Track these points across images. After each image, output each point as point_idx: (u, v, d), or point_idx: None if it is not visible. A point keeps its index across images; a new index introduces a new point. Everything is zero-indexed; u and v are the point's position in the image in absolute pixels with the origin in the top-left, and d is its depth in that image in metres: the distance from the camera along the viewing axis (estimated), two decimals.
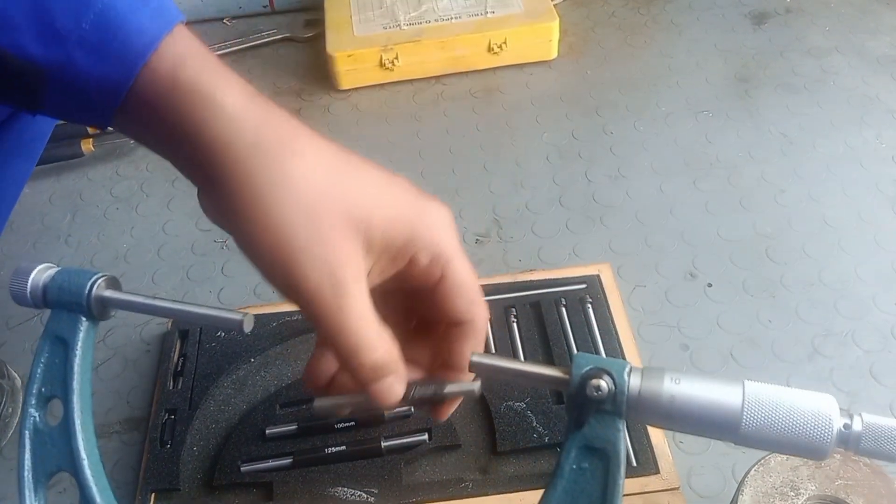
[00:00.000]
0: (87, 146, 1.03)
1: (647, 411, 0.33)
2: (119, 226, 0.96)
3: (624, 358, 0.74)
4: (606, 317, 0.77)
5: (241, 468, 0.69)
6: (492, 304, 0.79)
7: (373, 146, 1.05)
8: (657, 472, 0.65)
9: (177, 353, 0.78)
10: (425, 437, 0.69)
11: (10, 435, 0.75)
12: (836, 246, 0.85)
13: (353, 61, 1.10)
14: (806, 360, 0.75)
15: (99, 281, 0.40)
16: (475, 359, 0.38)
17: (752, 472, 0.55)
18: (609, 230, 0.90)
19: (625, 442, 0.34)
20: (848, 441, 0.34)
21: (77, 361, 0.38)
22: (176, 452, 0.70)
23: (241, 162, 0.37)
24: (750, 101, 1.04)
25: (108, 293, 0.40)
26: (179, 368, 0.77)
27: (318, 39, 1.19)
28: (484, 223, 0.92)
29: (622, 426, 0.33)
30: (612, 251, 0.87)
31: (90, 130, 1.04)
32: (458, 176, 0.99)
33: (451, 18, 1.13)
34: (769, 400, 0.33)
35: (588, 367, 0.33)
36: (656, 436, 0.67)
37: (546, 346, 0.76)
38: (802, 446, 0.33)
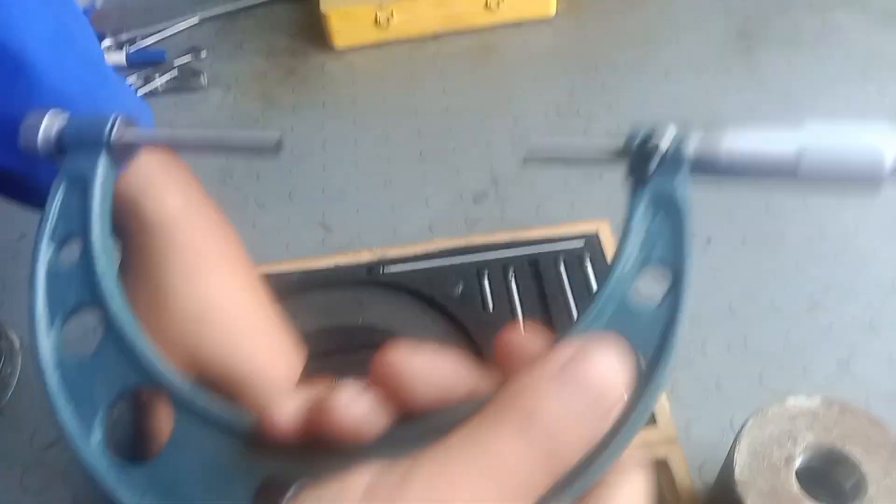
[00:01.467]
0: None
1: (704, 163, 0.33)
2: None
3: None
4: (606, 273, 0.77)
5: None
6: (490, 262, 0.78)
7: (368, 105, 1.04)
8: (654, 423, 0.65)
9: None
10: None
11: (9, 395, 0.75)
12: (836, 200, 0.84)
13: (347, 19, 1.09)
14: (805, 313, 0.75)
15: (119, 118, 0.38)
16: (530, 152, 0.36)
17: (750, 422, 0.55)
18: (608, 186, 0.89)
19: (688, 193, 0.34)
20: None
21: (98, 197, 0.36)
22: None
23: None
24: (751, 58, 1.03)
25: (130, 133, 0.39)
26: None
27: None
28: (482, 182, 0.91)
29: (684, 178, 0.33)
30: (611, 207, 0.86)
31: None
32: (455, 135, 0.98)
33: None
34: (825, 137, 0.32)
35: (644, 127, 0.34)
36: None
37: (544, 302, 0.75)
38: (858, 176, 0.31)
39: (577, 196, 0.88)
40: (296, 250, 0.86)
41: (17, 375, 0.76)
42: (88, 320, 0.34)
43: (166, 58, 1.12)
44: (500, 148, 0.95)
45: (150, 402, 0.52)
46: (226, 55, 1.15)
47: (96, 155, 0.37)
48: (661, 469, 0.63)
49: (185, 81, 1.08)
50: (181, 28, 1.19)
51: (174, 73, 1.08)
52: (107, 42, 1.14)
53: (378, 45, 1.12)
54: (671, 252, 0.32)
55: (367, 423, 0.27)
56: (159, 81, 1.07)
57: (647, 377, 0.29)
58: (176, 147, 0.42)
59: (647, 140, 0.33)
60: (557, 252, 0.79)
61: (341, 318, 0.77)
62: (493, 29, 1.11)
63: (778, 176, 0.33)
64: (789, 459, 0.52)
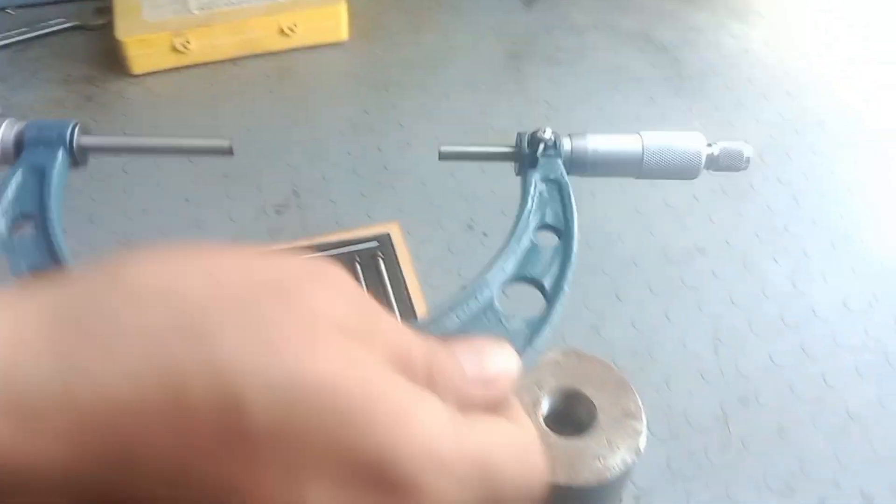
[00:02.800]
0: None
1: (577, 158, 0.45)
2: None
3: (412, 303, 0.83)
4: (396, 269, 0.86)
5: None
6: None
7: (169, 128, 1.07)
8: None
9: None
10: None
11: None
12: (588, 195, 0.98)
13: (143, 46, 1.12)
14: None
15: (77, 125, 0.42)
16: (444, 148, 0.46)
17: None
18: (399, 194, 0.99)
19: (566, 178, 0.44)
20: (712, 161, 0.45)
21: (55, 184, 0.39)
22: None
23: None
24: (520, 75, 1.17)
25: (87, 138, 0.42)
26: None
27: (110, 27, 1.19)
28: (283, 195, 0.98)
29: (562, 164, 0.44)
30: (402, 212, 0.96)
31: None
32: (257, 152, 1.04)
33: (242, 2, 1.17)
34: (659, 141, 0.45)
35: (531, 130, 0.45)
36: (420, 307, 0.77)
37: None
38: (684, 170, 0.44)
39: (372, 204, 0.97)
40: None
41: None
42: None
43: None
44: (300, 164, 1.02)
45: None
46: (20, 84, 1.14)
47: (55, 151, 0.41)
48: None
49: None
50: None
51: None
52: None
53: (177, 70, 1.16)
54: (560, 214, 0.43)
55: None
56: None
57: (553, 298, 0.39)
58: (131, 152, 0.45)
59: (533, 136, 0.44)
60: (354, 253, 0.88)
61: None
62: (288, 53, 1.19)
63: (627, 169, 0.45)
64: (536, 403, 0.63)
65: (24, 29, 1.22)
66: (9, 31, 1.21)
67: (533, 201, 0.43)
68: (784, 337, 0.84)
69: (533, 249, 0.41)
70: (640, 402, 0.64)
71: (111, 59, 1.17)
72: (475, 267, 0.89)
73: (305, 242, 0.88)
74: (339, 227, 0.94)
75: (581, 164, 0.45)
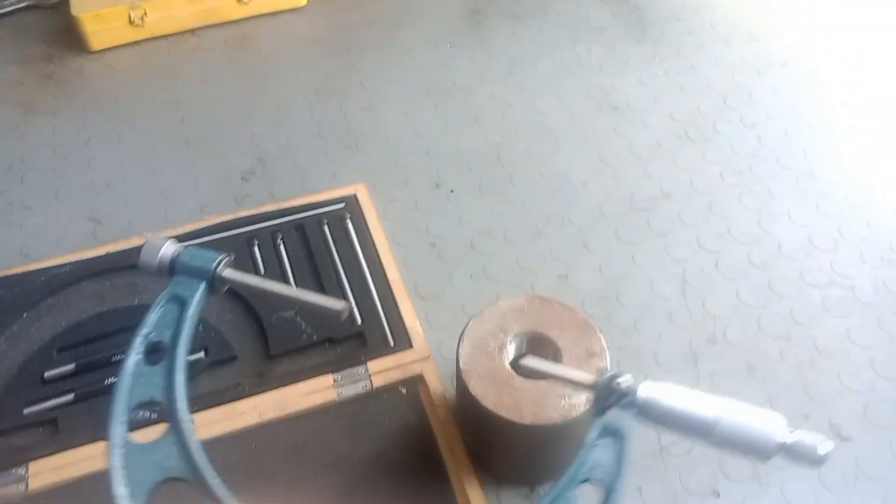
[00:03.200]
0: None
1: (650, 411, 0.44)
2: None
3: (381, 261, 0.83)
4: (364, 229, 0.86)
5: (24, 411, 0.71)
6: (258, 232, 0.85)
7: (130, 101, 1.06)
8: (411, 346, 0.75)
9: None
10: (201, 354, 0.74)
11: None
12: (554, 146, 0.99)
13: (100, 21, 1.10)
14: (531, 241, 0.88)
15: (224, 259, 0.47)
16: (525, 362, 0.48)
17: (470, 323, 0.66)
18: (364, 155, 0.98)
19: (634, 429, 0.44)
20: (784, 448, 0.43)
21: (191, 317, 0.45)
22: None
23: None
24: (481, 32, 1.16)
25: (228, 272, 0.48)
26: None
27: (65, 4, 1.17)
28: (248, 161, 0.97)
29: (634, 417, 0.43)
30: (368, 173, 0.96)
31: None
32: (220, 122, 1.03)
33: None
34: (737, 416, 0.43)
35: (613, 372, 0.44)
36: (409, 318, 0.77)
37: (312, 261, 0.83)
38: (755, 452, 0.43)
39: (338, 166, 0.97)
40: (67, 245, 0.87)
41: None
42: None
43: None
44: (264, 130, 1.02)
45: None
46: None
47: (198, 284, 0.46)
48: (420, 382, 0.73)
49: None
50: None
51: None
52: None
53: (136, 44, 1.14)
54: (610, 473, 0.42)
55: None
56: None
57: None
58: (257, 293, 0.50)
59: (610, 381, 0.44)
60: (321, 215, 0.87)
61: (116, 302, 0.81)
62: (248, 21, 1.17)
63: (696, 433, 0.43)
64: (501, 347, 0.64)
65: None
66: None
67: (585, 455, 0.43)
68: (751, 276, 0.85)
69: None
70: (603, 342, 0.64)
71: (69, 37, 1.15)
72: (443, 224, 0.90)
73: (272, 207, 0.88)
74: (305, 190, 0.94)
75: (652, 416, 0.45)
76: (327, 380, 0.73)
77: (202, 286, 0.47)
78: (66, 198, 0.93)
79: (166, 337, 0.45)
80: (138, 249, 0.81)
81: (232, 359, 0.75)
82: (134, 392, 0.43)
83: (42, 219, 0.91)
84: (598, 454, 0.42)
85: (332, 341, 0.77)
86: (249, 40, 1.15)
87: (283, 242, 0.85)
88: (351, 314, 0.77)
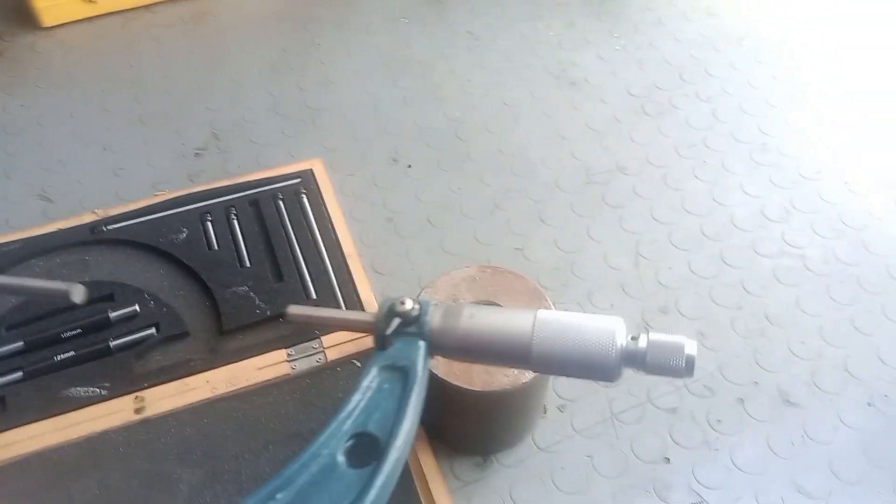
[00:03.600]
0: None
1: (446, 338, 0.34)
2: None
3: (337, 237, 0.83)
4: (320, 204, 0.85)
5: None
6: (212, 208, 0.84)
7: (84, 79, 1.04)
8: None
9: None
10: (153, 330, 0.74)
11: None
12: (512, 121, 0.99)
13: None
14: (489, 215, 0.88)
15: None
16: (291, 310, 0.37)
17: (422, 293, 0.66)
18: (322, 131, 0.98)
19: (425, 365, 0.33)
20: (634, 358, 0.33)
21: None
22: None
23: None
24: (440, 7, 1.16)
25: None
26: None
27: None
28: (203, 138, 0.96)
29: (424, 347, 0.33)
30: (325, 148, 0.95)
31: None
32: (175, 98, 1.02)
33: None
34: (559, 322, 0.33)
35: (394, 298, 0.34)
36: (364, 292, 0.77)
37: (266, 236, 0.82)
38: (591, 366, 0.32)
39: (295, 142, 0.96)
40: (16, 224, 0.86)
41: None
42: None
43: None
44: (219, 106, 1.01)
45: None
46: None
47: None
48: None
49: None
50: None
51: None
52: None
53: (89, 20, 1.12)
54: (387, 423, 0.32)
55: None
56: None
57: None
58: None
59: (391, 307, 0.34)
60: (276, 190, 0.86)
61: (67, 278, 0.80)
62: None
63: (514, 356, 0.33)
64: None
65: None
66: None
67: (360, 399, 0.32)
68: (704, 248, 0.86)
69: (335, 466, 0.31)
70: (554, 310, 0.65)
71: (20, 13, 1.13)
72: (400, 199, 0.90)
73: (226, 182, 0.87)
74: (261, 166, 0.93)
75: (450, 347, 0.35)
76: (280, 354, 0.73)
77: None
78: (17, 176, 0.92)
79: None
80: (90, 226, 0.83)
81: (184, 334, 0.75)
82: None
83: None
84: (377, 399, 0.32)
85: (286, 316, 0.76)
86: (206, 16, 1.14)
87: (237, 218, 0.84)
88: (305, 288, 0.77)
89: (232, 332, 0.75)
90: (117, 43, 1.10)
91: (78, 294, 0.37)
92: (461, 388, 0.61)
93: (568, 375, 0.33)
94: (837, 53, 1.09)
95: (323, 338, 0.74)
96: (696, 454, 0.70)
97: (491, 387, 0.61)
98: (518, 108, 1.00)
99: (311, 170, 0.89)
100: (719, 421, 0.72)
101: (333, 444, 0.30)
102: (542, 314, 0.33)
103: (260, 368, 0.72)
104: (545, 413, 0.73)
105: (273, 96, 1.02)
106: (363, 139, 0.96)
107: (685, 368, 0.31)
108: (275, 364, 0.72)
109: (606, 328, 0.32)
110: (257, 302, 0.77)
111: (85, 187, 0.90)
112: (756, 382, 0.76)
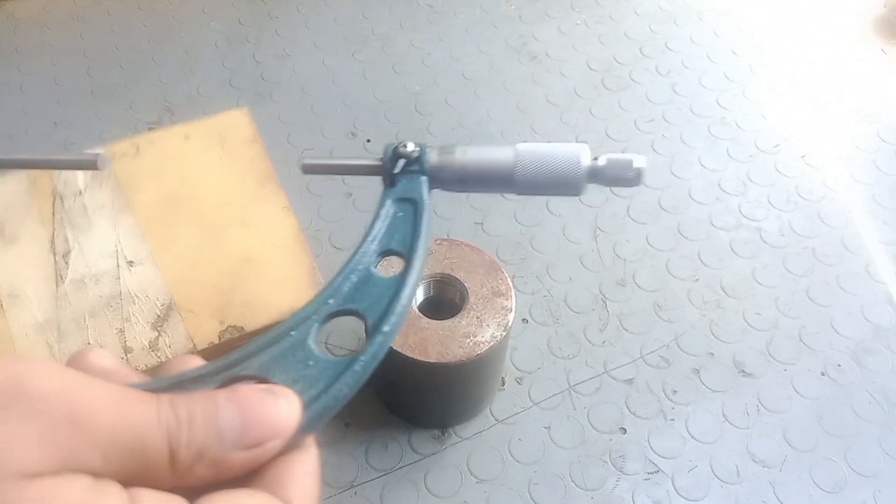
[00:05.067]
0: None
1: (443, 172, 0.40)
2: None
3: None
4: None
5: None
6: None
7: (32, 52, 1.01)
8: None
9: None
10: None
11: None
12: (472, 95, 0.98)
13: None
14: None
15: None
16: (306, 161, 0.42)
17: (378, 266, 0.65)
18: (278, 104, 0.96)
19: (429, 196, 0.39)
20: (595, 174, 0.39)
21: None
22: None
23: None
24: None
25: None
26: None
27: None
28: (156, 111, 0.94)
29: (426, 181, 0.39)
30: (283, 122, 0.94)
31: None
32: (127, 71, 0.99)
33: None
34: (535, 151, 0.39)
35: (396, 142, 0.40)
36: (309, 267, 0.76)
37: None
38: (563, 183, 0.39)
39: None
40: None
41: None
42: None
43: None
44: (172, 78, 0.98)
45: None
46: None
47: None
48: None
49: None
50: None
51: None
52: None
53: None
54: (407, 243, 0.37)
55: None
56: None
57: (371, 334, 0.33)
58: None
59: (395, 151, 0.39)
60: None
61: None
62: None
63: (500, 181, 0.39)
64: None
65: None
66: None
67: (381, 226, 0.38)
68: (661, 221, 0.86)
69: (366, 279, 0.36)
70: (510, 282, 0.65)
71: None
72: (365, 186, 0.89)
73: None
74: None
75: (448, 180, 0.40)
76: None
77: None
78: None
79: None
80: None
81: None
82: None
83: None
84: (395, 224, 0.38)
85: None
86: None
87: None
88: None
89: None
90: (67, 15, 1.07)
91: (103, 161, 0.41)
92: (417, 360, 0.60)
93: (543, 194, 0.40)
94: (795, 27, 1.10)
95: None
96: (652, 424, 0.71)
97: (446, 358, 0.60)
98: (478, 81, 1.00)
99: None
100: (675, 391, 0.73)
101: (367, 259, 0.36)
102: (521, 146, 0.40)
103: None
104: (503, 385, 0.73)
105: (228, 69, 1.00)
106: (321, 113, 0.95)
107: (635, 178, 0.38)
108: None
109: (573, 151, 0.39)
110: None
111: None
112: (712, 353, 0.77)
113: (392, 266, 0.36)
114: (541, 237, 0.84)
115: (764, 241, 0.86)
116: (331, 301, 0.34)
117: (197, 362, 0.32)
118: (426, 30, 1.06)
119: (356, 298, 0.35)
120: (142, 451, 0.26)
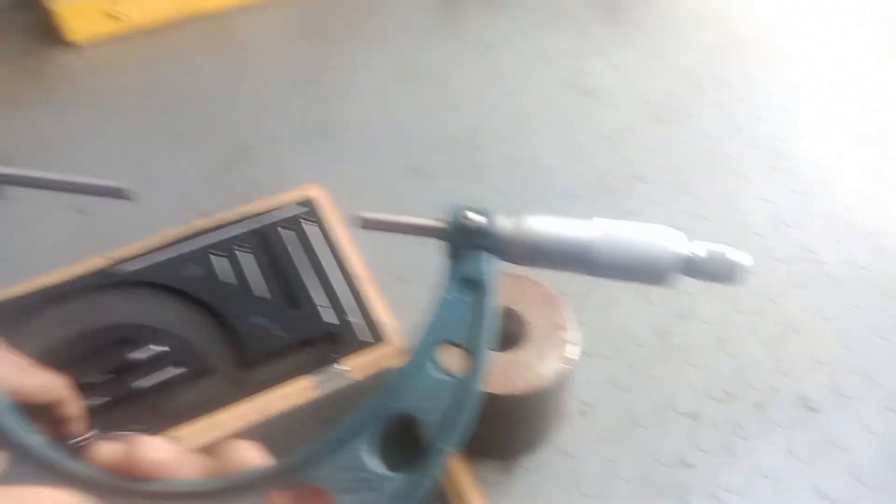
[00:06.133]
0: None
1: (514, 246, 0.36)
2: None
3: (344, 260, 0.82)
4: (325, 229, 0.84)
5: None
6: (219, 242, 0.83)
7: (113, 96, 1.07)
8: (384, 340, 0.75)
9: None
10: (179, 369, 0.74)
11: None
12: (528, 129, 1.00)
13: (79, 15, 1.11)
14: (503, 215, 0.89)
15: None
16: (366, 215, 0.39)
17: None
18: (341, 141, 1.00)
19: (494, 275, 0.36)
20: (690, 267, 0.36)
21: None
22: None
23: None
24: (456, 18, 1.18)
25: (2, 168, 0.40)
26: None
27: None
28: (229, 151, 0.99)
29: (491, 259, 0.36)
30: (344, 159, 0.97)
31: None
32: (201, 113, 1.04)
33: None
34: (619, 235, 0.36)
35: (462, 207, 0.37)
36: (381, 311, 0.77)
37: (274, 266, 0.81)
38: (650, 275, 0.36)
39: (315, 152, 0.98)
40: (51, 235, 0.88)
41: None
42: None
43: None
44: (244, 120, 1.03)
45: None
46: None
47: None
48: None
49: None
50: None
51: None
52: None
53: (116, 38, 1.15)
54: (471, 334, 0.34)
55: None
56: None
57: (430, 449, 0.32)
58: (27, 185, 0.41)
59: (458, 220, 0.36)
60: (280, 219, 0.84)
61: (84, 324, 0.77)
62: (228, 12, 1.18)
63: (578, 262, 0.36)
64: None
65: None
66: None
67: (443, 313, 0.35)
68: None
69: (427, 380, 0.33)
70: (568, 314, 0.66)
71: (51, 33, 1.16)
72: (419, 207, 0.91)
73: (228, 216, 0.84)
74: (284, 178, 0.95)
75: (518, 255, 0.37)
76: (306, 381, 0.73)
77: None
78: (50, 194, 0.94)
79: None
80: (101, 271, 0.81)
81: (209, 370, 0.75)
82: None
83: (29, 210, 0.92)
84: (456, 311, 0.35)
85: (307, 343, 0.76)
86: (228, 32, 1.16)
87: (244, 250, 0.83)
88: (321, 314, 0.78)
89: (255, 363, 0.75)
90: (143, 59, 1.13)
91: (131, 193, 0.41)
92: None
93: (627, 280, 0.36)
94: (854, 59, 1.10)
95: (345, 361, 0.74)
96: (717, 459, 0.71)
97: (508, 389, 0.62)
98: (533, 116, 1.02)
99: (311, 196, 0.86)
100: (740, 426, 0.73)
101: (427, 356, 0.33)
102: (603, 223, 0.36)
103: (286, 396, 0.72)
104: (566, 418, 0.74)
105: (295, 109, 1.04)
106: (381, 149, 0.98)
107: (739, 277, 0.35)
108: (301, 390, 0.72)
109: (665, 241, 0.35)
110: (276, 331, 0.76)
111: (118, 202, 0.92)
112: (776, 388, 0.76)
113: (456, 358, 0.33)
114: None
115: (826, 275, 0.85)
116: (389, 405, 0.33)
117: (253, 455, 0.32)
118: (481, 67, 1.09)
119: (416, 402, 0.33)
120: None
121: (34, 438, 0.32)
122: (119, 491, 0.30)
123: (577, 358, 0.64)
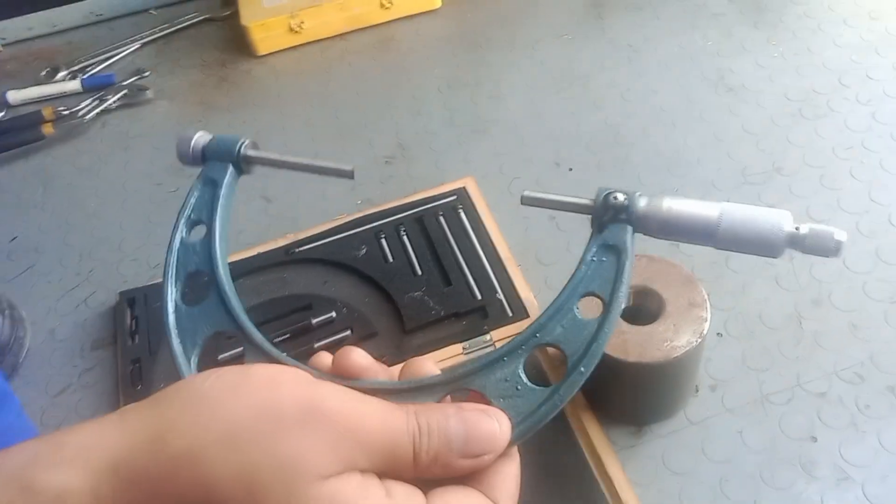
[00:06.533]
0: (47, 129, 1.19)
1: (650, 221, 0.43)
2: (85, 190, 1.14)
3: (493, 244, 0.92)
4: (476, 216, 0.96)
5: None
6: (384, 226, 0.97)
7: (291, 98, 1.23)
8: (528, 316, 0.85)
9: (129, 316, 0.93)
10: (348, 332, 0.87)
11: (23, 356, 0.92)
12: (670, 125, 1.06)
13: (265, 29, 1.28)
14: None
15: (246, 141, 0.51)
16: (527, 193, 0.47)
17: None
18: (492, 139, 1.10)
19: (632, 244, 0.43)
20: (795, 241, 0.41)
21: (223, 195, 0.49)
22: (146, 390, 0.85)
23: None
24: (603, 22, 1.25)
25: (251, 151, 0.51)
26: (134, 328, 0.92)
27: (235, 16, 1.35)
28: (390, 147, 1.11)
29: (632, 231, 0.43)
30: (496, 154, 1.07)
31: (47, 115, 1.21)
32: (366, 113, 1.17)
33: None
34: (739, 212, 0.42)
35: (609, 189, 0.44)
36: (524, 291, 0.87)
37: (433, 249, 0.93)
38: (762, 246, 0.41)
39: (468, 148, 1.09)
40: (244, 219, 1.04)
41: (27, 341, 0.93)
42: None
43: (115, 80, 1.30)
44: (403, 119, 1.15)
45: None
46: (166, 72, 1.33)
47: (226, 165, 0.50)
48: (540, 351, 0.83)
49: (134, 97, 1.26)
50: (125, 53, 1.37)
51: (124, 91, 1.26)
52: (62, 73, 1.32)
53: (295, 48, 1.31)
54: (608, 288, 0.42)
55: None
56: (112, 100, 1.25)
57: (571, 371, 0.40)
58: (275, 166, 0.52)
59: (606, 197, 0.43)
60: (437, 208, 0.97)
61: (270, 294, 0.93)
62: (389, 24, 1.32)
63: (702, 234, 0.42)
64: None
65: (164, 25, 1.42)
66: (153, 28, 1.41)
67: (586, 269, 0.42)
68: (858, 245, 0.89)
69: (569, 318, 0.41)
70: (704, 294, 0.72)
71: (239, 44, 1.34)
72: None
73: (393, 203, 0.98)
74: (439, 171, 1.06)
75: (652, 228, 0.43)
76: (457, 348, 0.84)
77: (231, 168, 0.49)
78: (243, 181, 1.10)
79: (204, 216, 0.48)
80: (284, 248, 0.95)
81: (374, 334, 0.87)
82: (181, 264, 0.47)
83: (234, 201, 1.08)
84: (599, 269, 0.42)
85: (457, 315, 0.87)
86: (390, 41, 1.29)
87: (407, 234, 0.95)
88: (471, 290, 0.88)
89: (413, 330, 0.87)
90: (317, 67, 1.28)
91: (352, 173, 0.50)
92: (618, 359, 0.69)
93: (741, 251, 0.43)
94: None
95: (492, 332, 0.84)
96: (844, 434, 0.74)
97: (645, 358, 0.69)
98: (675, 113, 1.07)
99: (464, 188, 0.99)
100: (868, 406, 0.76)
101: (571, 300, 0.41)
102: (727, 205, 0.42)
103: (440, 361, 0.82)
104: (697, 392, 0.79)
105: (449, 110, 1.15)
106: (529, 145, 1.07)
107: (835, 250, 0.40)
108: (452, 357, 0.83)
109: (776, 217, 0.41)
110: (431, 304, 0.88)
111: (298, 191, 1.07)
112: None
113: (591, 307, 0.41)
114: (736, 258, 0.89)
115: None
116: (538, 335, 0.41)
117: (431, 368, 0.41)
118: (626, 68, 1.16)
119: (560, 335, 0.41)
120: (393, 453, 0.35)
121: (265, 340, 0.43)
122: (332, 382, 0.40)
123: (708, 334, 0.70)
